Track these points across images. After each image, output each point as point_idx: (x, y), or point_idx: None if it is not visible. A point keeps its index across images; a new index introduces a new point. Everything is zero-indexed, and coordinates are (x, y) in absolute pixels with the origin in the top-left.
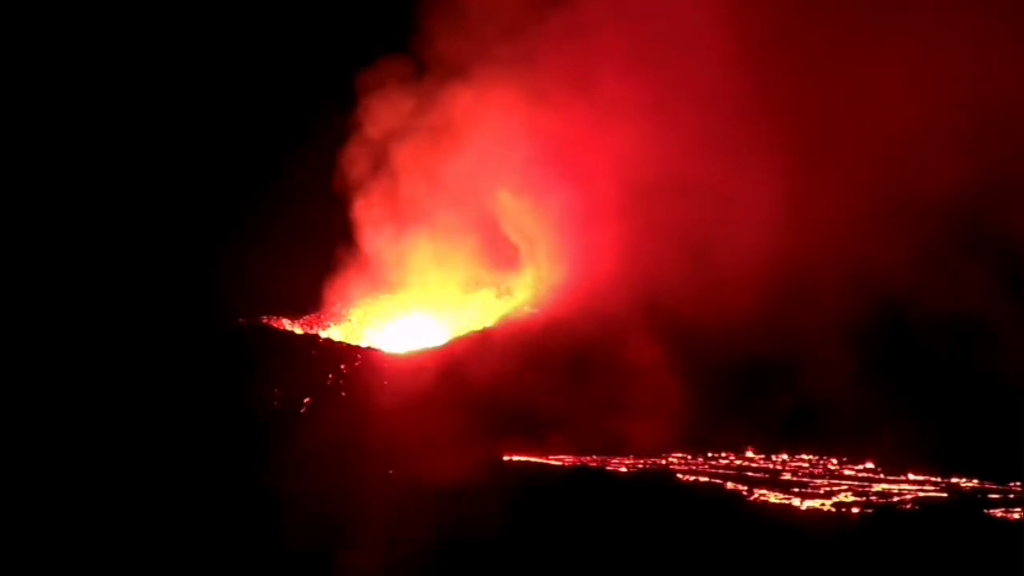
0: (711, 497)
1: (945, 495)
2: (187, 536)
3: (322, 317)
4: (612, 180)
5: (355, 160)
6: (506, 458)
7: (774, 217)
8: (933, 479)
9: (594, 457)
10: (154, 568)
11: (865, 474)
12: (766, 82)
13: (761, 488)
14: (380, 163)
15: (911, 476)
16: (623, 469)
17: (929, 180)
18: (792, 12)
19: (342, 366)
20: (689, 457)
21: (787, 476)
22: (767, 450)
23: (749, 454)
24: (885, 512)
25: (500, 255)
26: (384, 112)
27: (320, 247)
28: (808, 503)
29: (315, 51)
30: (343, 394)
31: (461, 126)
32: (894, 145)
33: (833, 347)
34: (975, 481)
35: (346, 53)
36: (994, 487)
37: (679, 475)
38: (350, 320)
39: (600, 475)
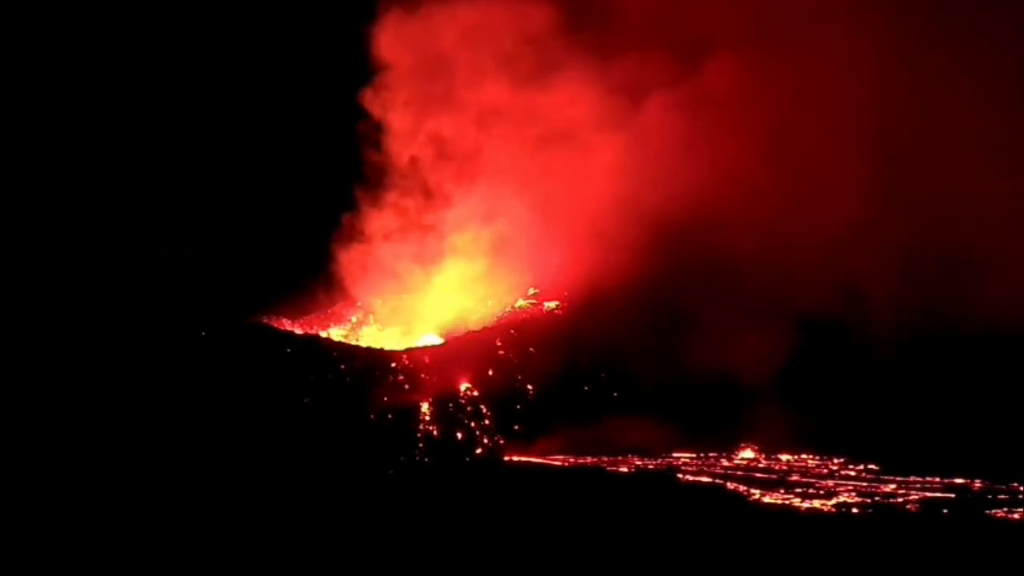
0: (712, 498)
1: (947, 495)
2: (187, 535)
3: (322, 317)
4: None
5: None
6: (506, 458)
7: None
8: (935, 480)
9: (594, 457)
10: (154, 567)
11: (867, 475)
12: None
13: (762, 488)
14: (388, 169)
15: (913, 477)
16: (624, 469)
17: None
18: None
19: (342, 366)
20: (690, 457)
21: (788, 476)
22: (769, 450)
23: (751, 454)
24: (886, 512)
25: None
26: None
27: (321, 247)
28: (809, 503)
29: (318, 50)
30: (343, 394)
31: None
32: None
33: (832, 349)
34: (977, 482)
35: (350, 52)
36: (996, 487)
37: (680, 475)
38: (350, 320)
39: (600, 475)
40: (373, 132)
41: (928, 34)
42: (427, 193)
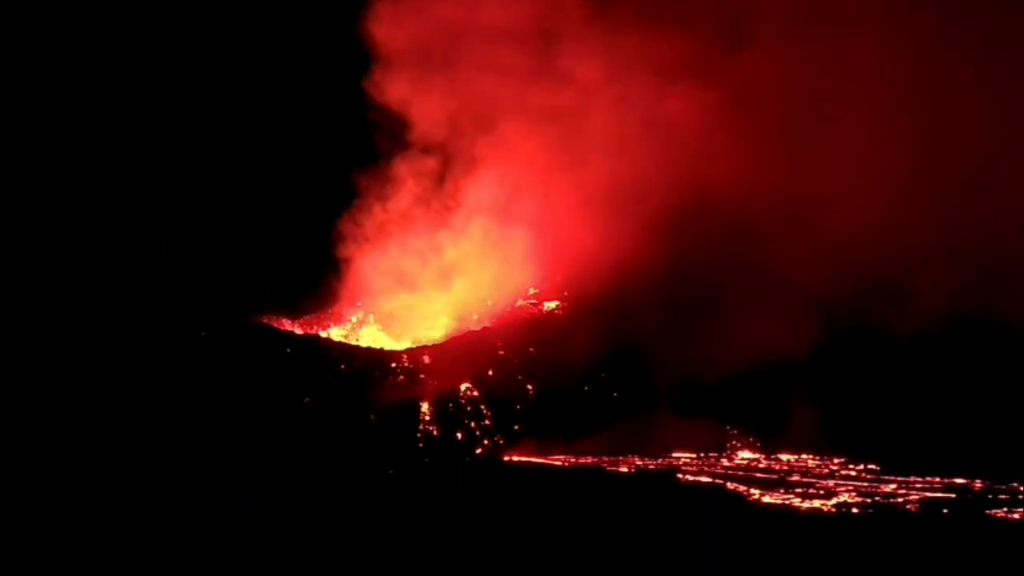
0: (712, 498)
1: (947, 495)
2: (187, 534)
3: (322, 317)
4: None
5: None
6: (506, 458)
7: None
8: (935, 480)
9: (594, 457)
10: (154, 566)
11: (867, 475)
12: None
13: (762, 488)
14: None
15: (913, 477)
16: (624, 469)
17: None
18: None
19: (342, 366)
20: (690, 457)
21: (788, 476)
22: (769, 450)
23: (751, 454)
24: (886, 512)
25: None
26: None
27: (322, 247)
28: (809, 503)
29: (321, 49)
30: (343, 394)
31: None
32: None
33: (833, 348)
34: (977, 482)
35: (352, 50)
36: (996, 487)
37: (680, 475)
38: (350, 320)
39: (600, 475)
40: (373, 127)
41: (960, 25)
42: (430, 189)
